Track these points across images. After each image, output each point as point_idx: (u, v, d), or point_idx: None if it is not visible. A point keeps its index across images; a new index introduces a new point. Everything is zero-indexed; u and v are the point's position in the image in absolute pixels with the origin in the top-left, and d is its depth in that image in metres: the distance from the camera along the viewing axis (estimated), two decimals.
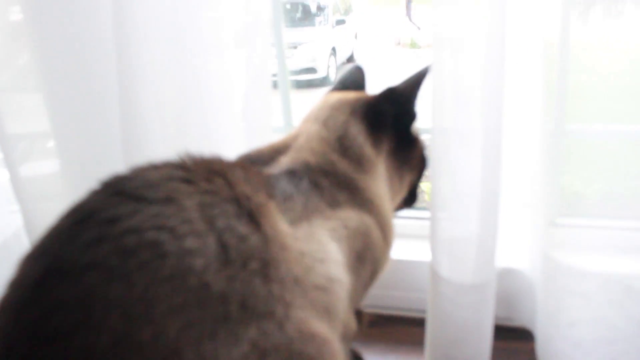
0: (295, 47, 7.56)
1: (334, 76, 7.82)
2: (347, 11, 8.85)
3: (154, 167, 0.76)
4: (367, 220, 0.95)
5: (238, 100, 1.32)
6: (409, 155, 1.12)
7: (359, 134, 1.03)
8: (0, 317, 0.63)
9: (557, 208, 1.16)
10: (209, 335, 0.61)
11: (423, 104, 1.11)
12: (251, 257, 0.69)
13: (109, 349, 0.58)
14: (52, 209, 1.39)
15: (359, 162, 1.00)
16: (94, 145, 1.35)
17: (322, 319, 0.77)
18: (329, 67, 7.73)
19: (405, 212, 1.35)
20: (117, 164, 1.27)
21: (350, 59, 8.60)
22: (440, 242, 1.17)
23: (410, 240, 1.39)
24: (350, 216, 0.92)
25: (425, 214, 1.53)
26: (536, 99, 1.12)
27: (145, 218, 0.65)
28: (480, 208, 1.12)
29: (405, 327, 1.43)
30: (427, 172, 1.18)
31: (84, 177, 1.34)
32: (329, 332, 0.77)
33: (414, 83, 1.07)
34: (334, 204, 0.91)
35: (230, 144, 1.32)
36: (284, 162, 0.95)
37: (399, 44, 8.47)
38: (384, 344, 1.39)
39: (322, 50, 7.73)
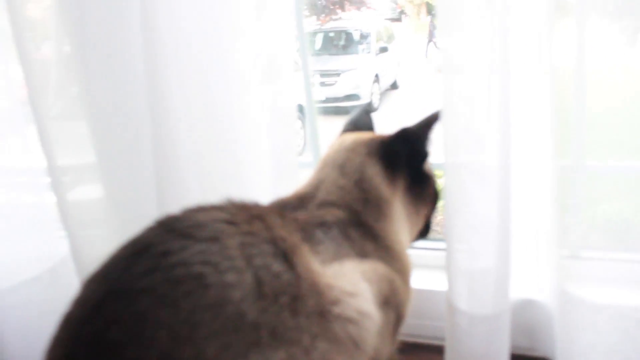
0: (338, 75, 7.69)
1: (377, 103, 7.90)
2: (389, 39, 8.93)
3: (202, 209, 0.86)
4: (390, 268, 1.01)
5: (264, 137, 1.38)
6: (423, 191, 1.17)
7: (375, 175, 1.09)
8: (64, 329, 0.74)
9: (570, 241, 1.18)
10: (242, 356, 0.70)
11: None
12: (283, 292, 0.76)
13: None
14: (97, 236, 1.49)
15: (378, 206, 1.06)
16: (134, 174, 1.42)
17: (347, 353, 0.82)
18: (372, 93, 7.81)
19: (420, 243, 1.38)
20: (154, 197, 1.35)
21: (393, 86, 8.66)
22: (457, 274, 1.20)
23: (424, 270, 1.41)
24: (378, 264, 0.99)
25: (438, 244, 1.58)
26: (547, 133, 1.15)
27: (193, 253, 0.74)
28: (497, 241, 1.15)
29: (426, 355, 1.45)
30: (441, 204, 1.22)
31: (126, 204, 1.44)
32: None
33: (426, 124, 1.12)
34: (362, 254, 0.98)
35: (257, 180, 1.39)
36: (313, 212, 1.02)
37: (440, 70, 8.48)
38: None
39: (365, 77, 7.82)
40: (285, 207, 1.03)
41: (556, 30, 1.11)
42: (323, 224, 0.98)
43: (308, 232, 0.94)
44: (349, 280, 0.89)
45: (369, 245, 1.01)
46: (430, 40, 9.77)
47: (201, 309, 0.70)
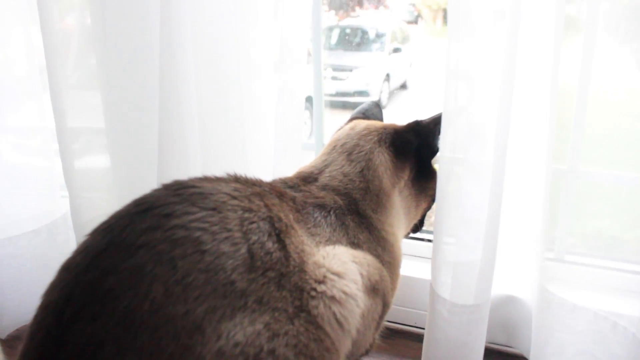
0: (350, 70, 7.69)
1: (386, 101, 7.91)
2: (404, 40, 8.90)
3: (208, 179, 0.91)
4: (379, 259, 1.06)
5: (271, 120, 1.42)
6: (426, 186, 1.20)
7: (380, 165, 1.13)
8: (64, 274, 0.77)
9: (555, 244, 1.21)
10: (228, 318, 0.74)
11: None
12: (271, 268, 0.82)
13: (148, 314, 0.70)
14: (97, 198, 1.53)
15: (378, 197, 1.11)
16: (140, 145, 1.47)
17: (329, 329, 0.86)
18: (381, 92, 7.82)
19: None
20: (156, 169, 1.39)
21: (403, 86, 8.66)
22: (443, 265, 1.24)
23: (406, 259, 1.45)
24: (368, 254, 1.03)
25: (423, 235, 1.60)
26: (543, 138, 1.18)
27: (194, 219, 0.78)
28: (485, 236, 1.19)
29: (405, 341, 1.49)
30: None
31: (128, 172, 1.48)
32: (334, 342, 0.87)
33: (439, 121, 1.15)
34: (355, 244, 1.03)
35: (260, 158, 1.43)
36: (313, 193, 1.06)
37: (447, 71, 8.46)
38: (386, 357, 1.46)
39: (376, 75, 7.82)
40: (285, 186, 1.06)
41: (564, 45, 1.13)
42: (322, 207, 1.03)
43: (306, 212, 0.99)
44: (339, 261, 0.93)
45: (363, 234, 1.05)
46: None
47: (196, 271, 0.74)
